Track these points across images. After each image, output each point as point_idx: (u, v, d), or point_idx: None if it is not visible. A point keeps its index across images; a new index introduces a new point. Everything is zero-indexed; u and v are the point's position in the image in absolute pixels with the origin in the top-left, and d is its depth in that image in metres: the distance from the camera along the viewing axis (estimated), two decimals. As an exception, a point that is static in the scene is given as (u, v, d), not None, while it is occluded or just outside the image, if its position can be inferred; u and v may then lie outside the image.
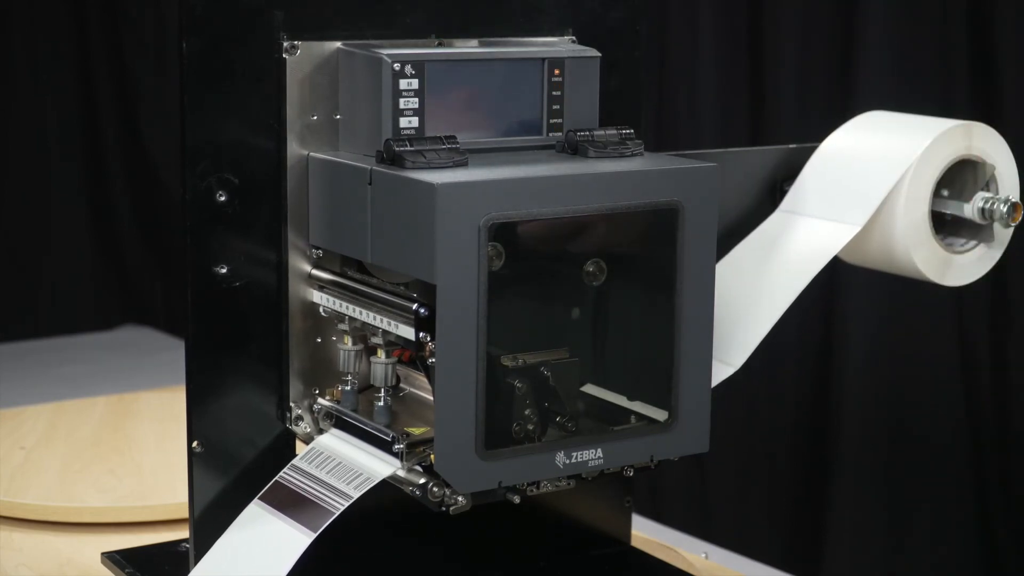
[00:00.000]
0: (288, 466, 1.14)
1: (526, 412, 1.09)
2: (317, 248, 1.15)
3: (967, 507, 2.50)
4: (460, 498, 1.06)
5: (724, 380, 1.22)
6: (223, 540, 1.13)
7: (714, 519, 2.87)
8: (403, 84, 1.10)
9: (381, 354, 1.12)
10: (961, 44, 2.45)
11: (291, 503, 1.11)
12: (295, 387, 1.17)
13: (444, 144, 1.07)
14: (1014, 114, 2.37)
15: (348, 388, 1.15)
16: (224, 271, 1.13)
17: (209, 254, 1.13)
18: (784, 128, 2.72)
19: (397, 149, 1.06)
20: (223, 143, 1.12)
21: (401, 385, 1.18)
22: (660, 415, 1.12)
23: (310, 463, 1.14)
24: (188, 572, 1.15)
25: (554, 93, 1.16)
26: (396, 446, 1.09)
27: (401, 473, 1.08)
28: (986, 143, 1.26)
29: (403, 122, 1.10)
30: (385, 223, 1.07)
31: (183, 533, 1.26)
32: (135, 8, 4.55)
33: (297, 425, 1.17)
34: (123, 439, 1.69)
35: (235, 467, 1.16)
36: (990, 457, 2.45)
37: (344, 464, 1.12)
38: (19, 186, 4.52)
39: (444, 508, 1.07)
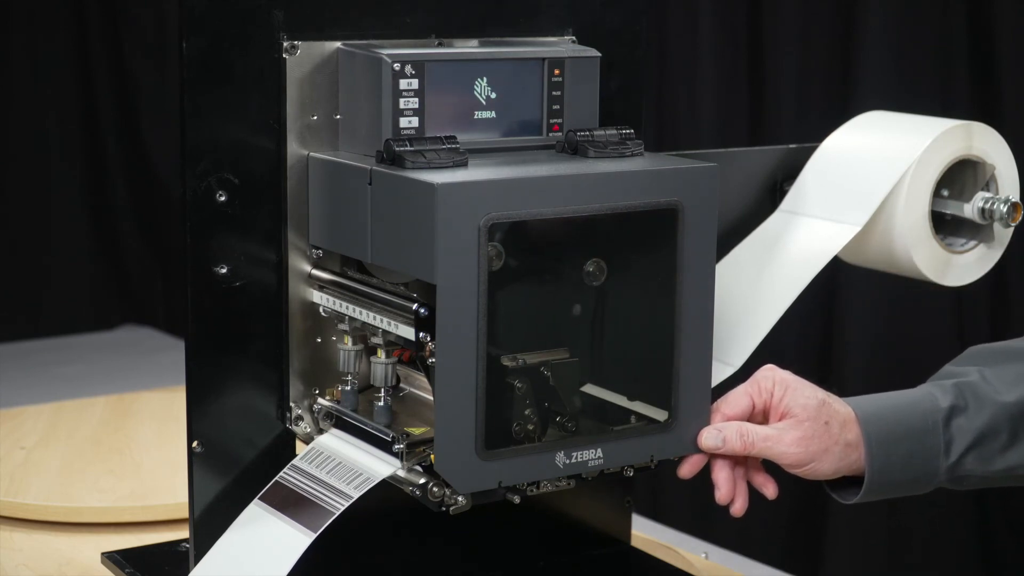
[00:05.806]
0: (288, 466, 1.14)
1: (526, 412, 1.08)
2: (317, 248, 1.15)
3: (966, 507, 2.50)
4: (460, 498, 1.06)
5: (724, 380, 1.22)
6: (223, 540, 1.13)
7: (714, 519, 2.87)
8: (403, 84, 1.10)
9: (381, 354, 1.12)
10: (961, 44, 2.45)
11: (291, 503, 1.11)
12: (295, 387, 1.17)
13: (444, 144, 1.07)
14: (1014, 114, 2.36)
15: (348, 388, 1.15)
16: (224, 271, 1.13)
17: (209, 254, 1.13)
18: (784, 128, 2.72)
19: (397, 149, 1.06)
20: (223, 143, 1.12)
21: (401, 385, 1.18)
22: (660, 415, 1.12)
23: (310, 463, 1.14)
24: (188, 572, 1.15)
25: (554, 93, 1.16)
26: (396, 446, 1.08)
27: (401, 473, 1.08)
28: (986, 143, 1.26)
29: (403, 122, 1.10)
30: (385, 223, 1.06)
31: (183, 533, 1.26)
32: (135, 8, 4.55)
33: (297, 425, 1.17)
34: (123, 439, 1.69)
35: (235, 467, 1.16)
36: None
37: (344, 464, 1.12)
38: (19, 186, 4.51)
39: (444, 508, 1.07)
